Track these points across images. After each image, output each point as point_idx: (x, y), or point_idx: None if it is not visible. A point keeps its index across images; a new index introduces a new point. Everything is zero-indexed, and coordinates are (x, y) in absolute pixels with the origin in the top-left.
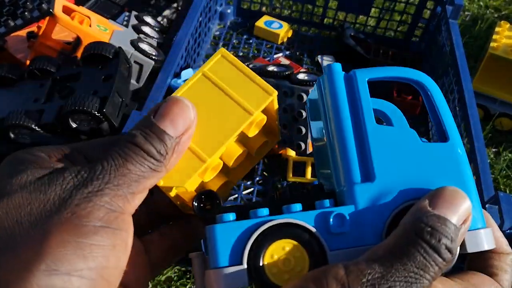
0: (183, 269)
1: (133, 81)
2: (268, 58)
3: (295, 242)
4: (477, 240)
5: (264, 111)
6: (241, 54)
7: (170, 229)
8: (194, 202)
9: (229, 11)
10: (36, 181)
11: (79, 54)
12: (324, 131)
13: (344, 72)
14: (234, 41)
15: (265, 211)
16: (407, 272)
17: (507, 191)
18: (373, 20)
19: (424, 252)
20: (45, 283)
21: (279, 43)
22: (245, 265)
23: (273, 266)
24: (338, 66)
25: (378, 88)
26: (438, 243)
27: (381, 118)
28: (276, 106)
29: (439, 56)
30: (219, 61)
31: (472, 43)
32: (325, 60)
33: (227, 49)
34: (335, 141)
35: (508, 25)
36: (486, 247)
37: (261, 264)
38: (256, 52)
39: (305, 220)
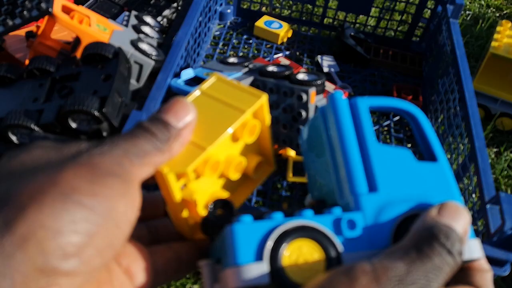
0: None
1: (133, 81)
2: (268, 58)
3: (312, 243)
4: (470, 249)
5: (257, 117)
6: (241, 54)
7: (175, 243)
8: (210, 206)
9: (229, 11)
10: (51, 144)
11: (78, 54)
12: (327, 153)
13: (347, 99)
14: (234, 41)
15: (280, 214)
16: (426, 271)
17: (508, 191)
18: (373, 20)
19: (440, 253)
20: (59, 206)
21: (279, 43)
22: (265, 263)
23: (293, 265)
24: (340, 93)
25: (378, 88)
26: (453, 247)
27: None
28: (268, 120)
29: (439, 56)
30: (214, 81)
31: (473, 42)
32: (325, 60)
33: (227, 49)
34: (340, 159)
35: (509, 24)
36: (477, 255)
37: (281, 262)
38: (256, 52)
39: (320, 222)
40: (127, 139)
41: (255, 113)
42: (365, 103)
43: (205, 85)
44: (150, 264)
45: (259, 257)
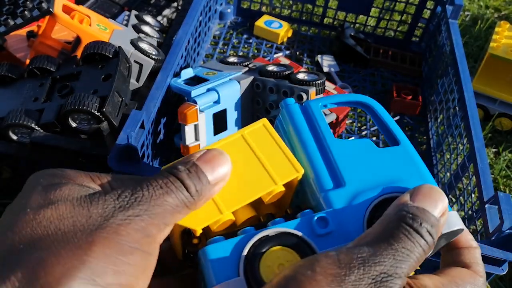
0: None
1: (133, 81)
2: (268, 58)
3: (286, 248)
4: (449, 221)
5: (286, 185)
6: (241, 53)
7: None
8: (180, 236)
9: (229, 10)
10: (78, 197)
11: (79, 53)
12: None
13: (298, 104)
14: (234, 40)
15: (250, 228)
16: (394, 251)
17: (507, 191)
18: (373, 20)
19: (408, 234)
20: None
21: (279, 42)
22: (242, 277)
23: (269, 273)
24: (291, 100)
25: (378, 88)
26: (420, 226)
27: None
28: (295, 184)
29: (439, 56)
30: (260, 129)
31: (472, 43)
32: (325, 60)
33: (227, 49)
34: (305, 162)
35: (508, 25)
36: (456, 227)
37: (257, 273)
38: (256, 51)
39: (291, 227)
40: (158, 196)
41: (287, 183)
42: (317, 104)
43: (249, 129)
44: None
45: (235, 273)
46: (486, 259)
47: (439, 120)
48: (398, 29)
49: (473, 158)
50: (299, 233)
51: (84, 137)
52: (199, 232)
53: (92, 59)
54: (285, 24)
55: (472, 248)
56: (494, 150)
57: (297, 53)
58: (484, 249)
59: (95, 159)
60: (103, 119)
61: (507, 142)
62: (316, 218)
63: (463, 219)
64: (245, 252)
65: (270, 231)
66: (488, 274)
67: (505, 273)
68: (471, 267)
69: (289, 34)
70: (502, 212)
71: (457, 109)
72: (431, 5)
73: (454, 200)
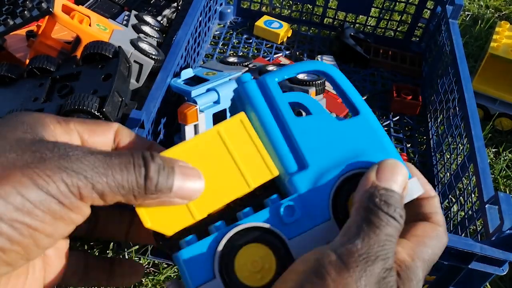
0: None
1: (132, 81)
2: (268, 58)
3: (257, 244)
4: (411, 190)
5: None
6: (241, 53)
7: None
8: (152, 233)
9: (229, 10)
10: (38, 130)
11: (78, 53)
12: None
13: (254, 80)
14: (234, 40)
15: (221, 224)
16: (380, 240)
17: (507, 191)
18: (373, 20)
19: (387, 221)
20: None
21: (279, 43)
22: (218, 278)
23: (244, 271)
24: (248, 76)
25: (377, 88)
26: (395, 212)
27: (301, 109)
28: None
29: (439, 56)
30: (236, 124)
31: (472, 43)
32: (325, 60)
33: (226, 49)
34: (266, 143)
35: (508, 25)
36: (416, 194)
37: (232, 273)
38: (256, 52)
39: (259, 220)
40: (109, 160)
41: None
42: (273, 79)
43: (226, 125)
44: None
45: (211, 274)
46: (486, 260)
47: (439, 120)
48: (398, 29)
49: (473, 158)
50: (267, 225)
51: None
52: (170, 235)
53: (92, 59)
54: (285, 24)
55: (431, 198)
56: (494, 150)
57: (297, 53)
58: (485, 249)
59: None
60: (103, 119)
61: (507, 142)
62: (283, 208)
63: (463, 219)
64: (218, 252)
65: (240, 228)
66: (489, 275)
67: (505, 273)
68: (431, 218)
69: (289, 34)
70: (503, 212)
71: (457, 109)
72: (431, 5)
73: (454, 200)
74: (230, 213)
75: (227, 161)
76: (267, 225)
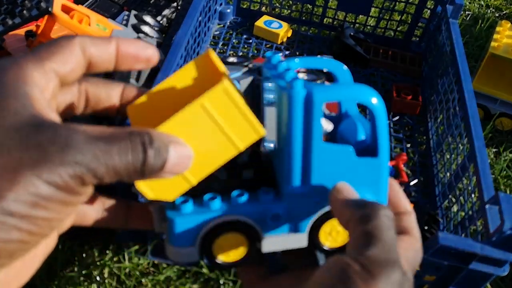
0: (182, 268)
1: (132, 81)
2: None
3: (239, 234)
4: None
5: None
6: (240, 53)
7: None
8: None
9: (228, 10)
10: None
11: None
12: (279, 132)
13: (305, 90)
14: (234, 40)
15: (217, 203)
16: (390, 241)
17: (508, 192)
18: (373, 20)
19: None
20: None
21: (278, 43)
22: (196, 247)
23: (220, 250)
24: (300, 84)
25: (378, 88)
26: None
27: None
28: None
29: (439, 56)
30: (219, 94)
31: (472, 42)
32: None
33: (226, 49)
34: (285, 149)
35: (509, 24)
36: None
37: (210, 249)
38: (255, 52)
39: (250, 216)
40: (107, 140)
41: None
42: (321, 100)
43: (209, 95)
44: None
45: (192, 243)
46: (486, 260)
47: (439, 120)
48: (398, 29)
49: (473, 158)
50: (252, 223)
51: None
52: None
53: None
54: (285, 24)
55: (408, 213)
56: (494, 150)
57: (297, 53)
58: (485, 249)
59: None
60: (103, 119)
61: (508, 142)
62: (272, 214)
63: (464, 219)
64: (204, 230)
65: (229, 218)
66: (489, 275)
67: (506, 274)
68: (410, 232)
69: (289, 34)
70: (503, 212)
71: (457, 109)
72: (431, 4)
73: (454, 200)
74: (225, 190)
75: (213, 130)
76: (252, 222)
